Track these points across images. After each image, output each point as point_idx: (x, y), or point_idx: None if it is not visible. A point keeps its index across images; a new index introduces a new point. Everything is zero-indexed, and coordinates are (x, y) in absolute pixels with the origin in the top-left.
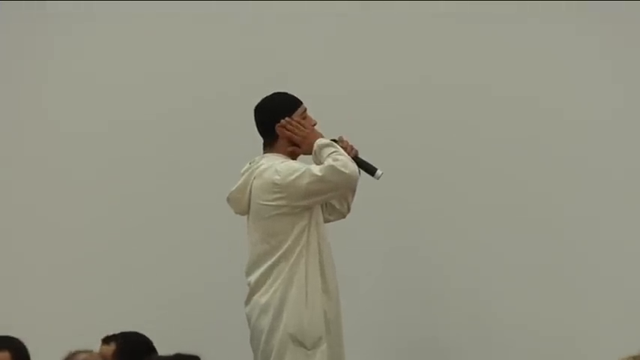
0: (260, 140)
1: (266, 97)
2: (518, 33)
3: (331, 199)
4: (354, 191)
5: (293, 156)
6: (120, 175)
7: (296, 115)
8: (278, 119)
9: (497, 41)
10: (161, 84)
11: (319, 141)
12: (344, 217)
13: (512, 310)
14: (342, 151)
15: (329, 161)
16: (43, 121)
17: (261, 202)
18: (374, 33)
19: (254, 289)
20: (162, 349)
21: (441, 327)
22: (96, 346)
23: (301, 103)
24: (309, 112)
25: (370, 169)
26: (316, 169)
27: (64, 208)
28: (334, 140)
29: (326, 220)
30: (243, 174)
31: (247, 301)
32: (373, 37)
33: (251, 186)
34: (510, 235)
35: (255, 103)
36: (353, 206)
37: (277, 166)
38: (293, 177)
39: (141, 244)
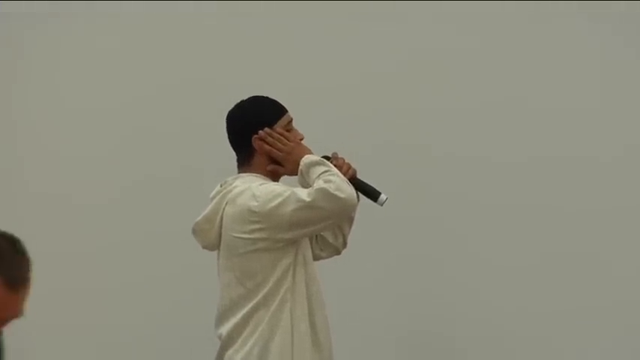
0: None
1: (241, 102)
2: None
3: (323, 230)
4: (351, 220)
5: (274, 176)
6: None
7: (279, 126)
8: (255, 130)
9: (495, 41)
10: (148, 86)
11: (307, 158)
12: (339, 253)
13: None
14: (335, 170)
15: (319, 183)
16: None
17: (235, 235)
18: (378, 41)
19: (226, 344)
20: None
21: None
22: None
23: (286, 111)
24: (295, 125)
25: (372, 194)
26: (303, 193)
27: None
28: (326, 157)
29: (316, 257)
30: (212, 199)
31: (218, 359)
32: (371, 49)
33: (222, 214)
34: (514, 235)
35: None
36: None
37: (255, 189)
38: (275, 203)
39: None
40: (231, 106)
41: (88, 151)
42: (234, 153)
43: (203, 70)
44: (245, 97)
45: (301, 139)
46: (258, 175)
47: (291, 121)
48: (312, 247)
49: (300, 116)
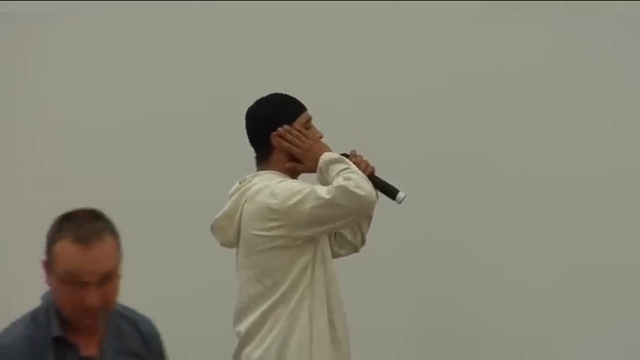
0: None
1: (261, 99)
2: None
3: (341, 227)
4: (370, 218)
5: (293, 174)
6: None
7: (297, 124)
8: (275, 127)
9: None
10: (148, 86)
11: (326, 155)
12: (357, 250)
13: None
14: (354, 167)
15: (339, 180)
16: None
17: (254, 232)
18: (387, 32)
19: (244, 341)
20: None
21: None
22: None
23: (305, 109)
24: (314, 123)
25: (390, 191)
26: (323, 191)
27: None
28: (345, 155)
29: (335, 255)
30: (231, 196)
31: (236, 356)
32: (390, 37)
33: (241, 211)
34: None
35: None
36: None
37: (274, 186)
38: (294, 200)
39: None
40: (252, 102)
41: (86, 157)
42: (252, 150)
43: (214, 67)
44: (265, 94)
45: (320, 137)
46: (277, 172)
47: (310, 119)
48: (330, 245)
49: (316, 113)
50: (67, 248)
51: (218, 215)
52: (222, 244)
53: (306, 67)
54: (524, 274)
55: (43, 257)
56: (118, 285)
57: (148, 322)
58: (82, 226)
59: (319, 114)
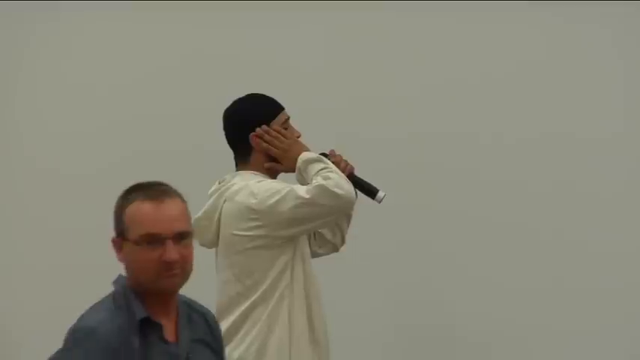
0: None
1: (238, 100)
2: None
3: (321, 227)
4: (349, 217)
5: (272, 174)
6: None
7: (276, 124)
8: (253, 127)
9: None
10: (141, 89)
11: (304, 155)
12: (337, 250)
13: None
14: (333, 167)
15: (318, 180)
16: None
17: (234, 232)
18: (375, 36)
19: (224, 340)
20: None
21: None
22: None
23: (283, 108)
24: (292, 122)
25: (370, 191)
26: (302, 190)
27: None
28: (324, 155)
29: (314, 255)
30: (210, 196)
31: None
32: (373, 41)
33: (220, 211)
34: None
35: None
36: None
37: (253, 186)
38: (273, 200)
39: None
40: (230, 101)
41: (85, 159)
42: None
43: (202, 65)
44: (243, 94)
45: (298, 137)
46: (256, 172)
47: (288, 118)
48: (310, 245)
49: (295, 113)
50: (138, 207)
51: (198, 215)
52: (202, 244)
53: (296, 69)
54: (508, 278)
55: (113, 236)
56: (193, 253)
57: (212, 314)
58: (150, 188)
59: (315, 116)
